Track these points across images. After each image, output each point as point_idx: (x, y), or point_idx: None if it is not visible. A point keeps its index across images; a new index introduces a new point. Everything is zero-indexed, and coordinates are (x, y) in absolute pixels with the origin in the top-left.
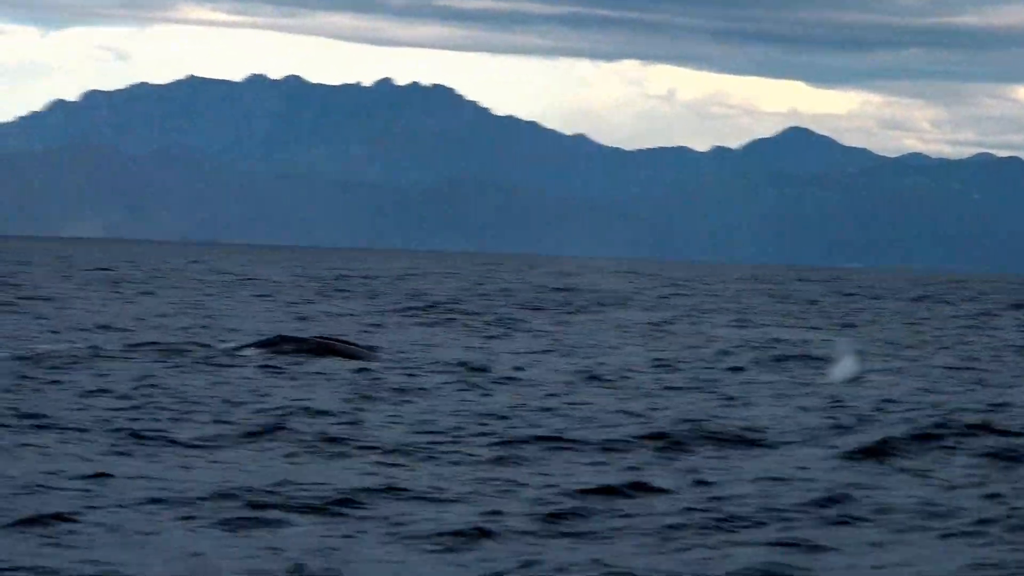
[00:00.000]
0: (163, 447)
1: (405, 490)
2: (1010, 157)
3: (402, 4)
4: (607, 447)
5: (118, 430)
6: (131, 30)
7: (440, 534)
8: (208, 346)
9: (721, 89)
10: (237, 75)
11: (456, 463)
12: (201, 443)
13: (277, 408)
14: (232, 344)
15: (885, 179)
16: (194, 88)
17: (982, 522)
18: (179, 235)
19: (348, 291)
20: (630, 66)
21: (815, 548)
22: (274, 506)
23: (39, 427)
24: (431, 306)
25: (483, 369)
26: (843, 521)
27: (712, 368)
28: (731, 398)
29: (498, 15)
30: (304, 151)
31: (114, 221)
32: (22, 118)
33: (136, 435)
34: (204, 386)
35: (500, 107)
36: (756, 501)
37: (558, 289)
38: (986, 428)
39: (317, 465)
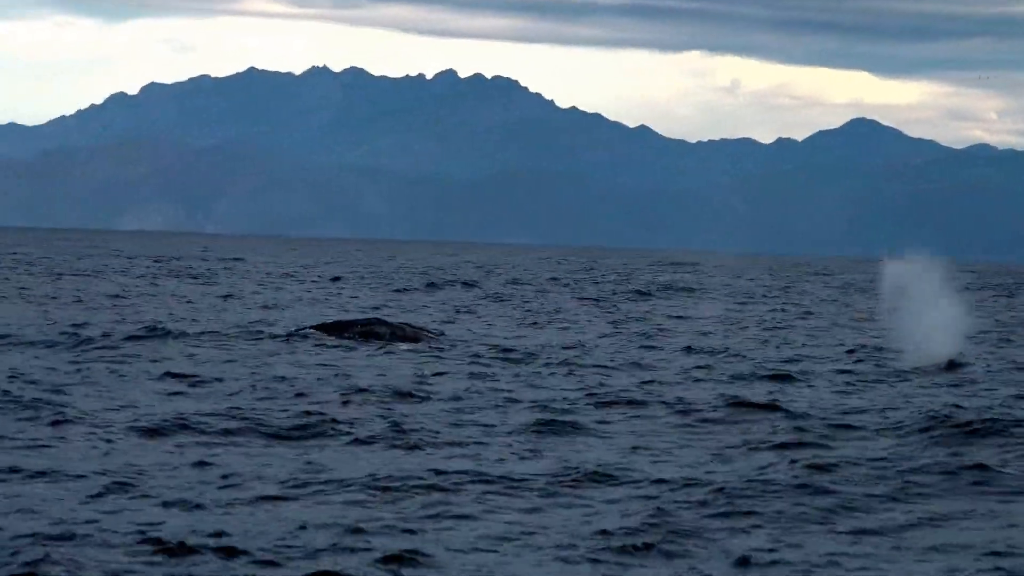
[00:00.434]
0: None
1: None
2: None
3: None
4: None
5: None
6: (193, 22)
7: None
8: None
9: (786, 80)
10: (298, 67)
11: None
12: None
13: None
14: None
15: (951, 170)
16: (255, 81)
17: None
18: (238, 229)
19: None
20: (694, 57)
21: None
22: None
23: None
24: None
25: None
26: None
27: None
28: None
29: (563, 6)
30: (365, 144)
31: (173, 215)
32: (81, 111)
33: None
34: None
35: (564, 99)
36: None
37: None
38: None
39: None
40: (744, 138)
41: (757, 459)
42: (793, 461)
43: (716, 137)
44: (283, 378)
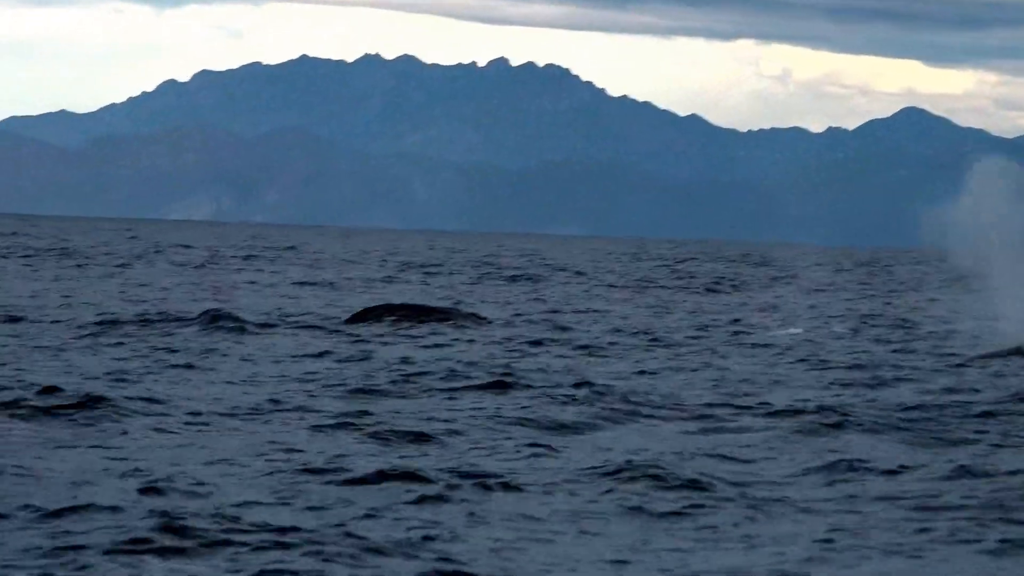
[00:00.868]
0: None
1: None
2: None
3: None
4: None
5: None
6: (245, 8)
7: None
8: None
9: (836, 68)
10: (350, 55)
11: None
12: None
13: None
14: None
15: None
16: (306, 68)
17: None
18: (286, 218)
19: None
20: (745, 45)
21: None
22: None
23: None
24: None
25: None
26: None
27: None
28: None
29: None
30: (416, 132)
31: (224, 204)
32: (132, 99)
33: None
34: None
35: (615, 87)
36: None
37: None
38: None
39: None
40: (795, 127)
41: None
42: None
43: (767, 126)
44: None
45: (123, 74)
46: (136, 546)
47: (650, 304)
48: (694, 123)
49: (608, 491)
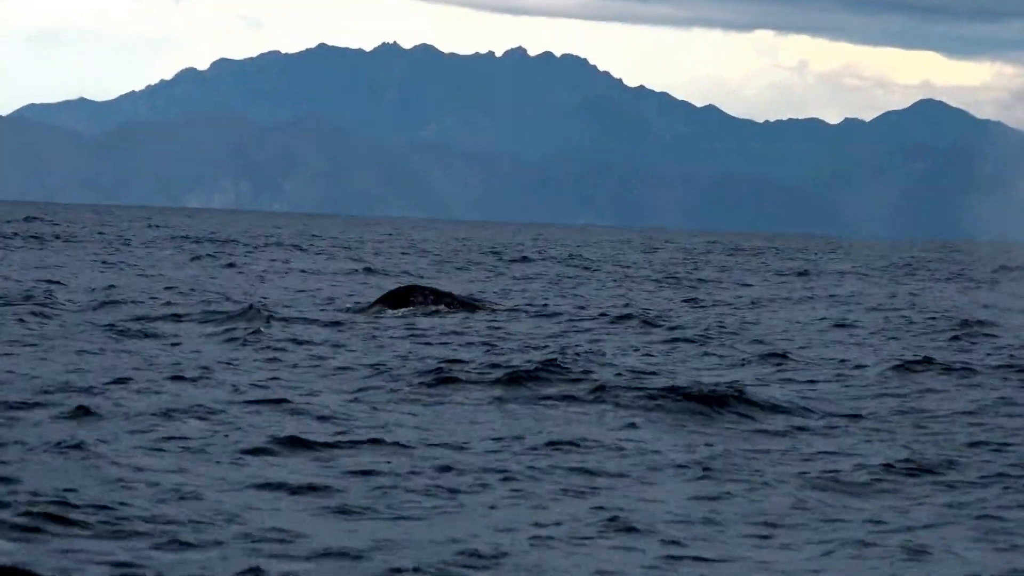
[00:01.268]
0: None
1: None
2: None
3: None
4: None
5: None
6: None
7: None
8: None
9: (854, 60)
10: (368, 44)
11: None
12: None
13: None
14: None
15: (1018, 152)
16: (324, 57)
17: None
18: (305, 207)
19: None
20: (763, 36)
21: None
22: None
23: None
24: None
25: None
26: None
27: None
28: None
29: None
30: (434, 122)
31: (240, 193)
32: (151, 87)
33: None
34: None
35: (632, 78)
36: None
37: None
38: None
39: None
40: (812, 118)
41: None
42: None
43: (784, 117)
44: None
45: (142, 62)
46: None
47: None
48: (711, 114)
49: None
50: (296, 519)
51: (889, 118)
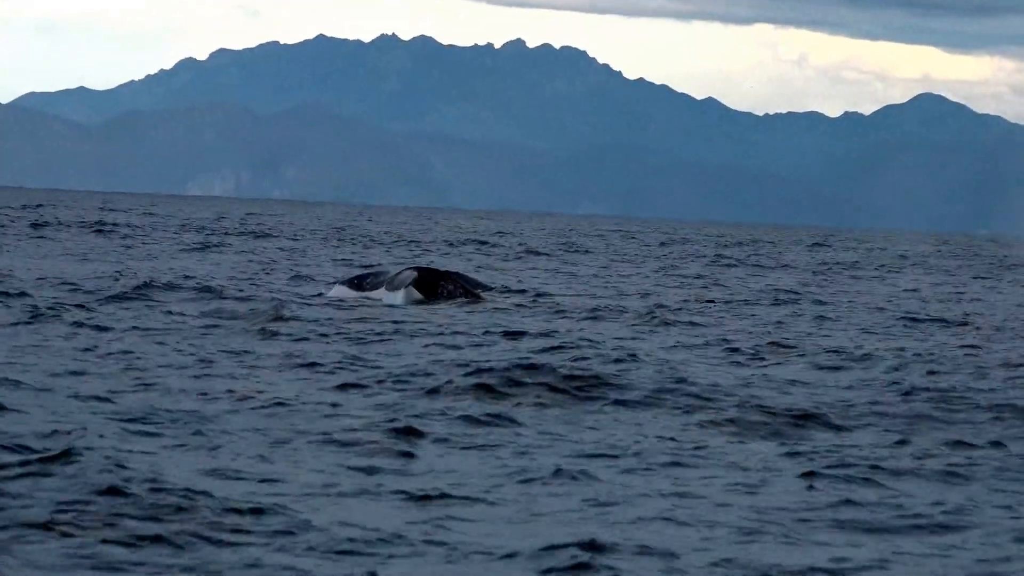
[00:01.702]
0: None
1: None
2: None
3: None
4: None
5: None
6: None
7: None
8: None
9: (854, 54)
10: (367, 35)
11: None
12: None
13: None
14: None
15: (1018, 146)
16: (323, 48)
17: None
18: (304, 195)
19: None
20: (763, 30)
21: None
22: None
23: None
24: None
25: None
26: None
27: None
28: None
29: None
30: (433, 113)
31: (240, 181)
32: (151, 76)
33: None
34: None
35: (631, 70)
36: None
37: None
38: None
39: None
40: (811, 112)
41: None
42: None
43: (783, 110)
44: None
45: (141, 52)
46: None
47: None
48: (711, 106)
49: None
50: None
51: (888, 112)
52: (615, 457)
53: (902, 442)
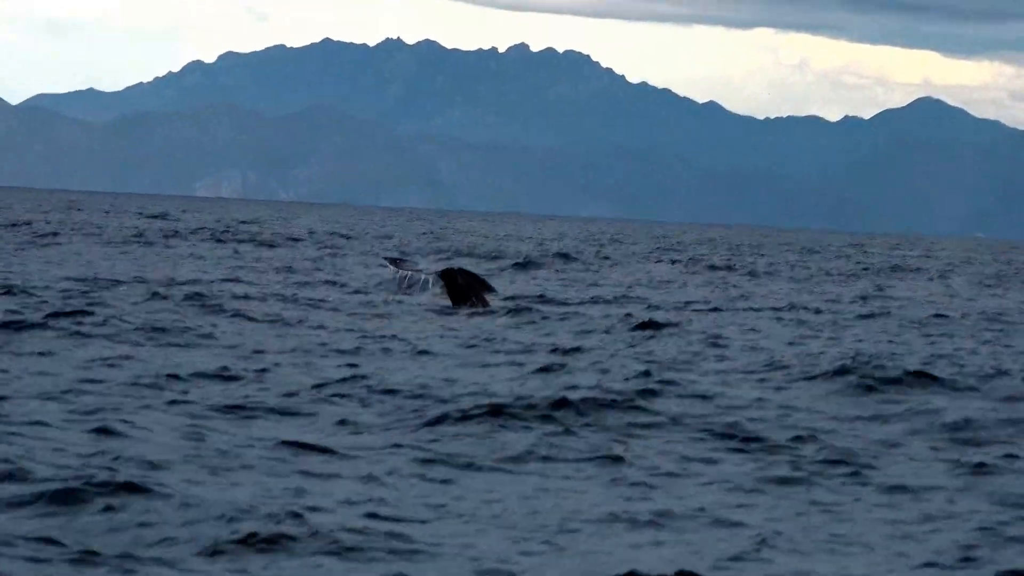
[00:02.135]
0: None
1: None
2: None
3: None
4: None
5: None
6: None
7: None
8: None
9: (854, 58)
10: (372, 39)
11: None
12: None
13: None
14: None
15: (1016, 151)
16: (329, 51)
17: None
18: (311, 196)
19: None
20: (764, 34)
21: None
22: None
23: None
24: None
25: None
26: None
27: None
28: None
29: None
30: (438, 116)
31: (247, 182)
32: (159, 79)
33: None
34: None
35: (634, 74)
36: None
37: None
38: None
39: None
40: (811, 116)
41: None
42: None
43: (784, 114)
44: None
45: (150, 54)
46: None
47: None
48: (712, 110)
49: None
50: None
51: (888, 116)
52: None
53: None
